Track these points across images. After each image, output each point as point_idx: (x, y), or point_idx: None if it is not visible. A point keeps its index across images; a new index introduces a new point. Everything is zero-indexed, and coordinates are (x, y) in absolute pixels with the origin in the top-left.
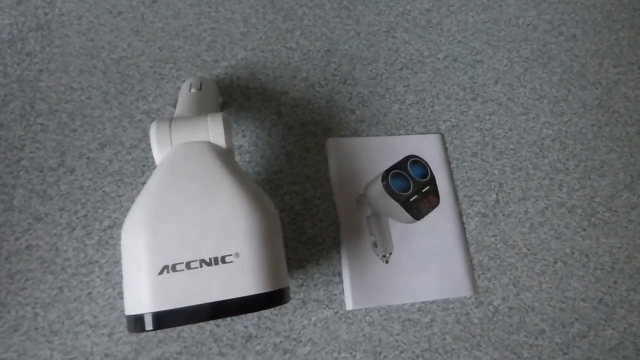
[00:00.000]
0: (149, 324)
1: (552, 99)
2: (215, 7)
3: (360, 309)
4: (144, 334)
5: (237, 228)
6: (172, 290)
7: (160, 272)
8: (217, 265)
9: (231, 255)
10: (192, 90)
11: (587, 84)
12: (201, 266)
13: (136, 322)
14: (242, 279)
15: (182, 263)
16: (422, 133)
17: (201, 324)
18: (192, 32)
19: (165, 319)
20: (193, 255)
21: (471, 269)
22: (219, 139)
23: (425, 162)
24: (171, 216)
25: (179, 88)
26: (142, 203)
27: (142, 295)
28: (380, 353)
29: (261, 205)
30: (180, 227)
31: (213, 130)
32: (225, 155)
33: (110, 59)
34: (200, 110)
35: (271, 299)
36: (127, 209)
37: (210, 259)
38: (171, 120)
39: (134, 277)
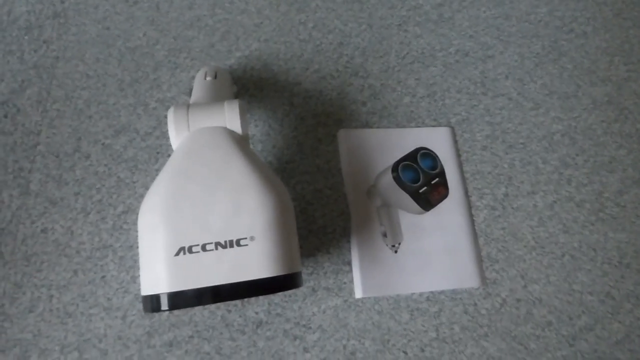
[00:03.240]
0: (164, 303)
1: (562, 94)
2: None
3: (369, 298)
4: (156, 317)
5: (253, 212)
6: (188, 271)
7: (177, 254)
8: (232, 248)
9: (246, 238)
10: (208, 79)
11: (597, 80)
12: (217, 248)
13: (152, 302)
14: (256, 262)
15: (198, 245)
16: (433, 126)
17: (213, 309)
18: (206, 22)
19: (180, 299)
20: (209, 238)
21: (479, 260)
22: (235, 125)
23: (435, 154)
24: (188, 199)
25: (193, 77)
26: (160, 185)
27: (158, 275)
28: (388, 341)
29: (276, 191)
30: (197, 210)
31: (230, 116)
32: (241, 141)
33: (125, 48)
34: (216, 97)
35: (284, 283)
36: (141, 195)
37: (225, 241)
38: (189, 106)
39: (150, 258)
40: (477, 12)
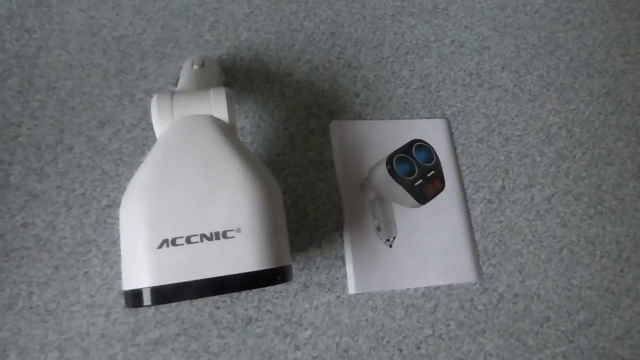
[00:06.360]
0: (147, 299)
1: (559, 86)
2: None
3: (362, 294)
4: (141, 314)
5: (239, 203)
6: (171, 264)
7: (160, 246)
8: (218, 240)
9: (233, 230)
10: (195, 67)
11: (594, 72)
12: (202, 241)
13: (134, 297)
14: (243, 255)
15: (182, 237)
16: (428, 118)
17: (200, 305)
18: (194, 11)
19: (163, 294)
20: (193, 230)
21: (476, 255)
22: (222, 113)
23: (431, 146)
24: (171, 189)
25: (180, 67)
26: (142, 175)
27: (140, 269)
28: (382, 338)
29: (264, 181)
30: (180, 200)
31: (216, 104)
32: (228, 130)
33: (111, 37)
34: (203, 86)
35: (272, 277)
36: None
37: (211, 233)
38: (173, 93)
39: (132, 250)
40: (472, 3)
